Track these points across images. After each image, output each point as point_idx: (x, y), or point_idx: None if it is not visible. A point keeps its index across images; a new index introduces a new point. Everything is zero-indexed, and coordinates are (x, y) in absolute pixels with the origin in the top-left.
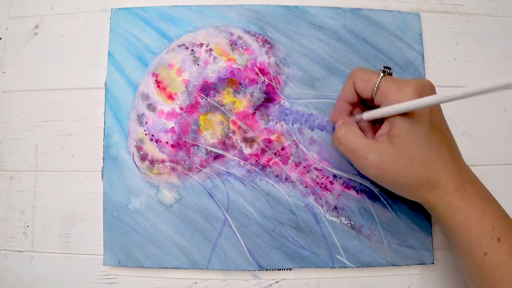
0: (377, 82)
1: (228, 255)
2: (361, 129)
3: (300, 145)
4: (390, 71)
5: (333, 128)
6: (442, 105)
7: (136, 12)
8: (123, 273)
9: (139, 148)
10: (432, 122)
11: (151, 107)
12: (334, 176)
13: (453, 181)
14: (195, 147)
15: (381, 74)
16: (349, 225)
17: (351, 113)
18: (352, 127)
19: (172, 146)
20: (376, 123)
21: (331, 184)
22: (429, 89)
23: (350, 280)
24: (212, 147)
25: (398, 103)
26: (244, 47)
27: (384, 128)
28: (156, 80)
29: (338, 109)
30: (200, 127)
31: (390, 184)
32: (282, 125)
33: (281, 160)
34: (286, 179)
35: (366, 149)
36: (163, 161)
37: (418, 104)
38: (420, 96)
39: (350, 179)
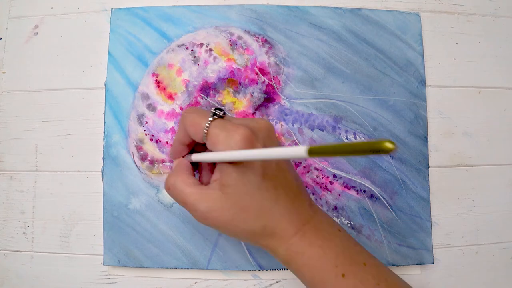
0: (206, 127)
1: (228, 255)
2: (201, 169)
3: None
4: (222, 113)
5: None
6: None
7: (136, 12)
8: (123, 273)
9: (139, 148)
10: (265, 168)
11: (151, 107)
12: (334, 176)
13: (291, 227)
14: None
15: (210, 119)
16: (349, 225)
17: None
18: (182, 175)
19: None
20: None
21: (331, 184)
22: (265, 133)
23: None
24: None
25: (224, 151)
26: (244, 47)
27: (216, 174)
28: (156, 80)
29: (175, 151)
30: None
31: (227, 233)
32: (282, 125)
33: None
34: None
35: (196, 199)
36: (163, 161)
37: (241, 156)
38: (251, 145)
39: (350, 179)
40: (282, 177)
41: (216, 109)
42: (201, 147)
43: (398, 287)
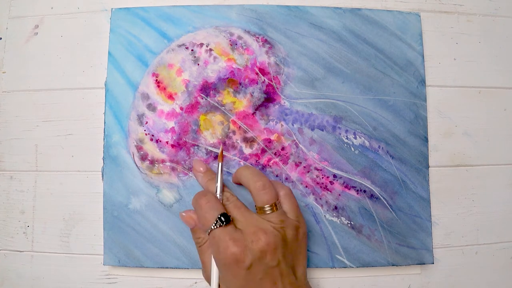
0: (209, 230)
1: None
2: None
3: (300, 145)
4: (224, 223)
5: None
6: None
7: (136, 12)
8: (123, 273)
9: (139, 148)
10: (252, 275)
11: (151, 107)
12: (334, 176)
13: None
14: (195, 147)
15: (213, 226)
16: (349, 225)
17: None
18: None
19: (172, 146)
20: None
21: (331, 184)
22: (257, 254)
23: (350, 280)
24: (212, 147)
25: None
26: (244, 47)
27: None
28: (156, 80)
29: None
30: (200, 127)
31: None
32: (282, 125)
33: (281, 160)
34: (286, 179)
35: None
36: (163, 161)
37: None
38: (237, 264)
39: (350, 179)
40: (272, 273)
41: (222, 216)
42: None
43: None
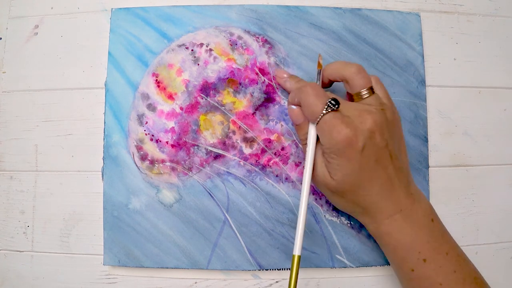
0: (319, 117)
1: (228, 255)
2: None
3: (300, 145)
4: (336, 107)
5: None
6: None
7: (136, 12)
8: (123, 273)
9: (139, 148)
10: (366, 158)
11: (151, 107)
12: None
13: (384, 210)
14: (195, 147)
15: (324, 111)
16: (349, 224)
17: None
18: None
19: (172, 146)
20: None
21: None
22: (367, 134)
23: (350, 279)
24: (212, 147)
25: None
26: (244, 47)
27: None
28: (156, 80)
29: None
30: (200, 127)
31: (334, 201)
32: (282, 125)
33: (281, 160)
34: (286, 179)
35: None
36: (163, 161)
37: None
38: (350, 146)
39: None
40: (388, 159)
41: (332, 100)
42: None
43: (472, 274)
